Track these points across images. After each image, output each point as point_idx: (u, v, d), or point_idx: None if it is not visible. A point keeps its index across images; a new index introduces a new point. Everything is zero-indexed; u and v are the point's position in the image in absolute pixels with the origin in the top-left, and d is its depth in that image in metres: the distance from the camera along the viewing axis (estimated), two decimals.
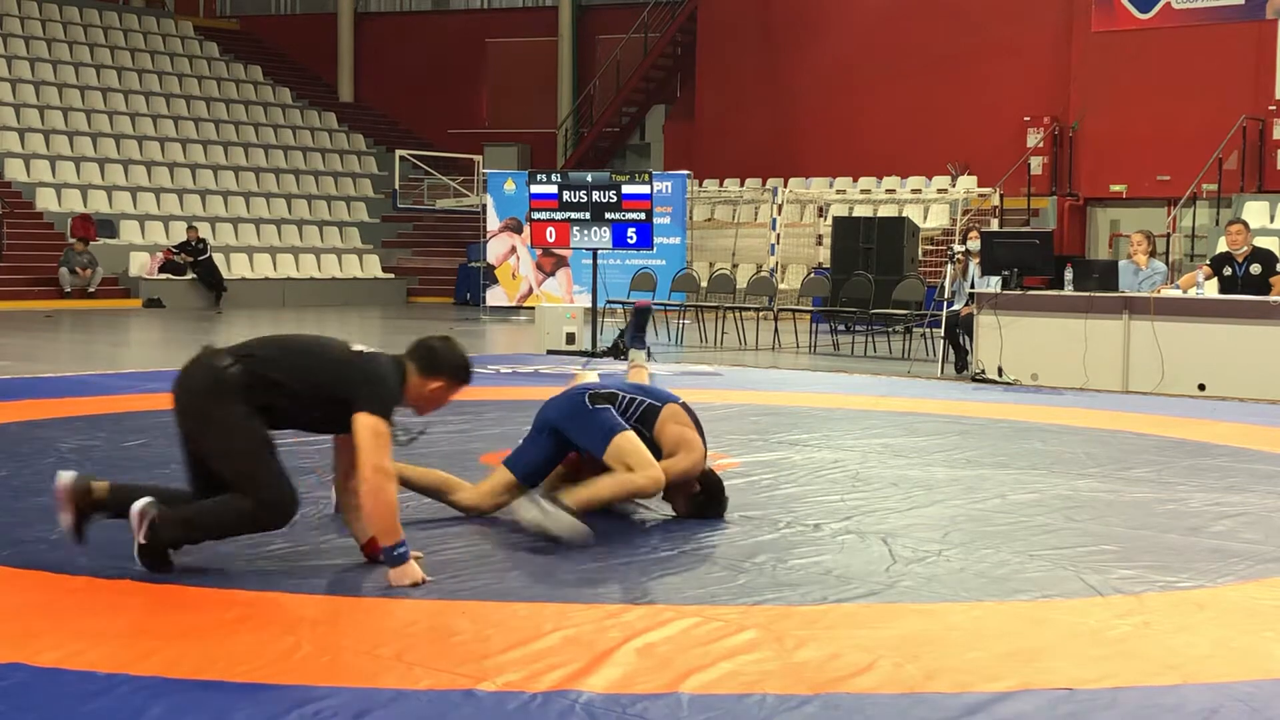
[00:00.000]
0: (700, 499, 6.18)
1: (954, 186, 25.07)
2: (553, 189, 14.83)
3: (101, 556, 5.24)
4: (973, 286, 13.56)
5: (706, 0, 30.00)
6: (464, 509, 6.07)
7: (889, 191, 25.82)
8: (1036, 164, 25.03)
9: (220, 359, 5.01)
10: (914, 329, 16.18)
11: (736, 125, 28.90)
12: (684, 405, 6.28)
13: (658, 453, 6.00)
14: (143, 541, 4.90)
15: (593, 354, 14.64)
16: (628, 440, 5.92)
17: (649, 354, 14.79)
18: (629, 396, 6.21)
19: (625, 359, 14.10)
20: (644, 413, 6.13)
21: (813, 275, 20.05)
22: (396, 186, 27.90)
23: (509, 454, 6.20)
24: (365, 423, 4.90)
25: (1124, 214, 24.97)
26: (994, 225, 22.11)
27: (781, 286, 21.17)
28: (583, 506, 5.69)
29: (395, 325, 20.71)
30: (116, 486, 5.09)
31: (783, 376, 13.43)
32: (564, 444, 6.08)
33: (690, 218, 23.25)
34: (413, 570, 4.86)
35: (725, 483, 6.33)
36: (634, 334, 8.29)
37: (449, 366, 5.18)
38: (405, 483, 5.89)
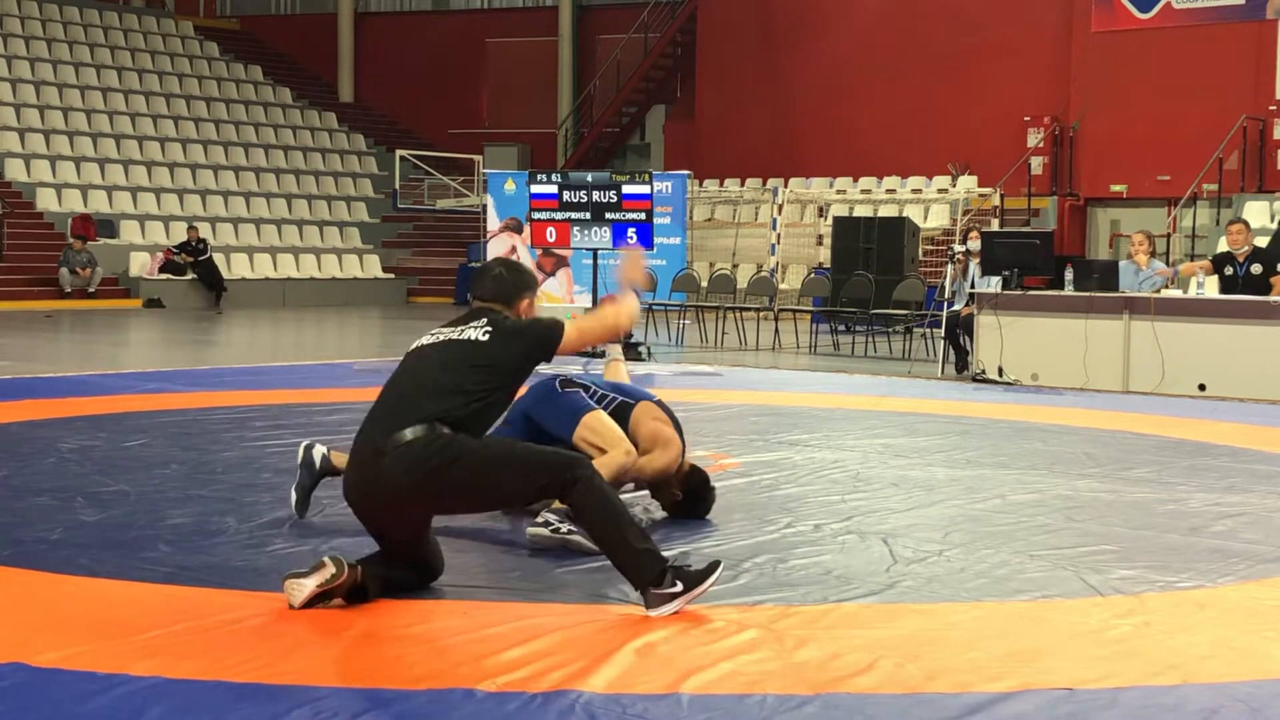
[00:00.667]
0: (684, 503, 6.15)
1: (954, 186, 25.08)
2: (553, 189, 14.83)
3: (102, 556, 5.25)
4: (973, 286, 13.56)
5: (706, 0, 30.01)
6: None
7: (889, 191, 25.82)
8: (1037, 164, 25.03)
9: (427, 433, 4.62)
10: (914, 329, 16.18)
11: (736, 125, 28.90)
12: (659, 402, 6.25)
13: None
14: None
15: (593, 354, 14.64)
16: (596, 419, 5.88)
17: (648, 352, 14.82)
18: (602, 392, 6.19)
19: (624, 358, 14.12)
20: (617, 409, 6.09)
21: (813, 275, 20.05)
22: (397, 186, 27.92)
23: None
24: (566, 330, 4.81)
25: (1124, 214, 24.97)
26: (994, 225, 22.11)
27: (782, 286, 21.17)
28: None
29: (395, 325, 20.70)
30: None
31: (783, 376, 13.43)
32: (537, 431, 6.01)
33: (690, 218, 23.24)
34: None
35: (726, 483, 6.33)
36: None
37: (529, 278, 5.08)
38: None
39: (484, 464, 4.61)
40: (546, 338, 4.83)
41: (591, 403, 6.00)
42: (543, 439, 5.80)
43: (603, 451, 5.80)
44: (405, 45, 34.40)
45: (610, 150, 32.41)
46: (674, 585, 4.53)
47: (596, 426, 5.88)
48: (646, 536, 4.68)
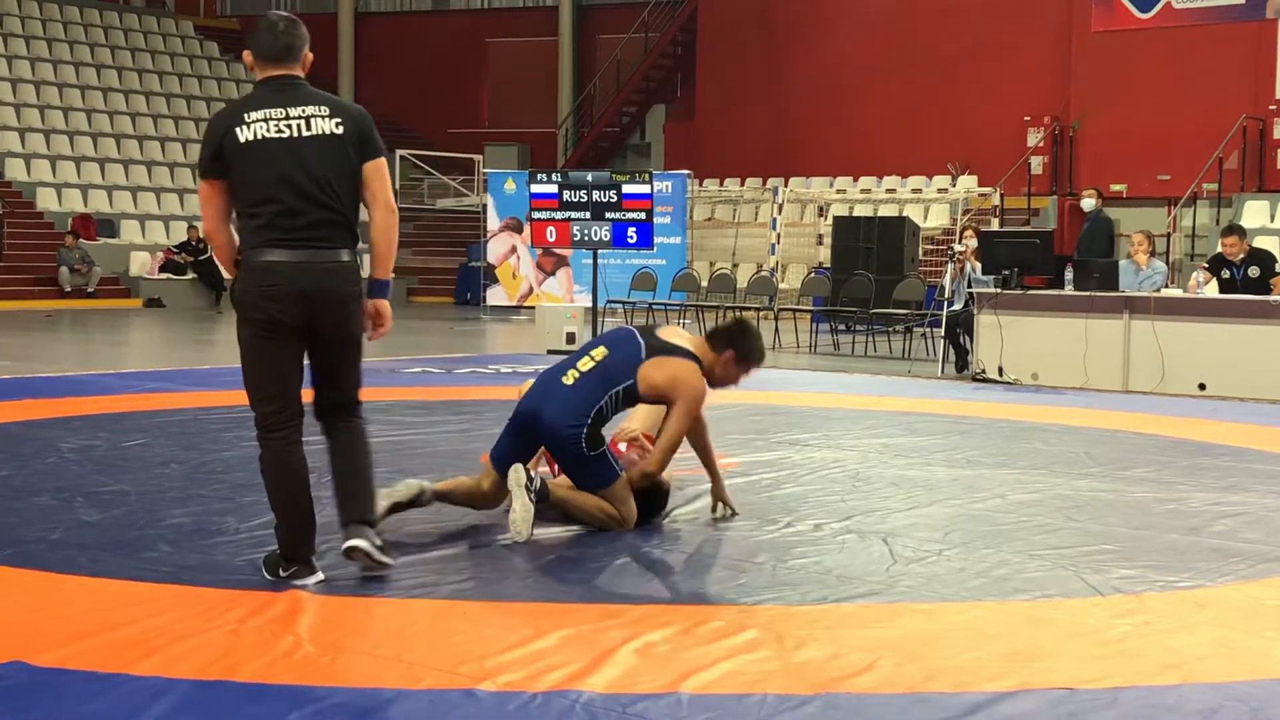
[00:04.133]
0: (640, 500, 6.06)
1: (954, 186, 25.07)
2: (553, 189, 14.82)
3: (102, 556, 5.25)
4: (970, 285, 13.56)
5: (706, 0, 30.01)
6: (475, 499, 5.99)
7: (889, 191, 25.82)
8: (1037, 163, 25.03)
9: None
10: (914, 329, 16.18)
11: (736, 125, 28.90)
12: (653, 348, 6.05)
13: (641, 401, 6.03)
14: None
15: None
16: (620, 487, 5.86)
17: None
18: (605, 401, 6.05)
19: None
20: (625, 393, 5.98)
21: (813, 275, 20.05)
22: (397, 186, 27.84)
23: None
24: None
25: (1124, 213, 24.93)
26: (994, 225, 22.11)
27: (782, 286, 21.17)
28: (559, 503, 5.78)
29: (395, 325, 20.68)
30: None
31: (783, 376, 13.43)
32: (535, 439, 5.94)
33: (690, 217, 23.26)
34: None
35: (726, 482, 6.32)
36: None
37: None
38: (444, 498, 5.90)
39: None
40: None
41: (618, 468, 5.87)
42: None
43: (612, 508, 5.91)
44: (405, 45, 34.40)
45: (610, 150, 32.41)
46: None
47: (616, 494, 5.86)
48: None
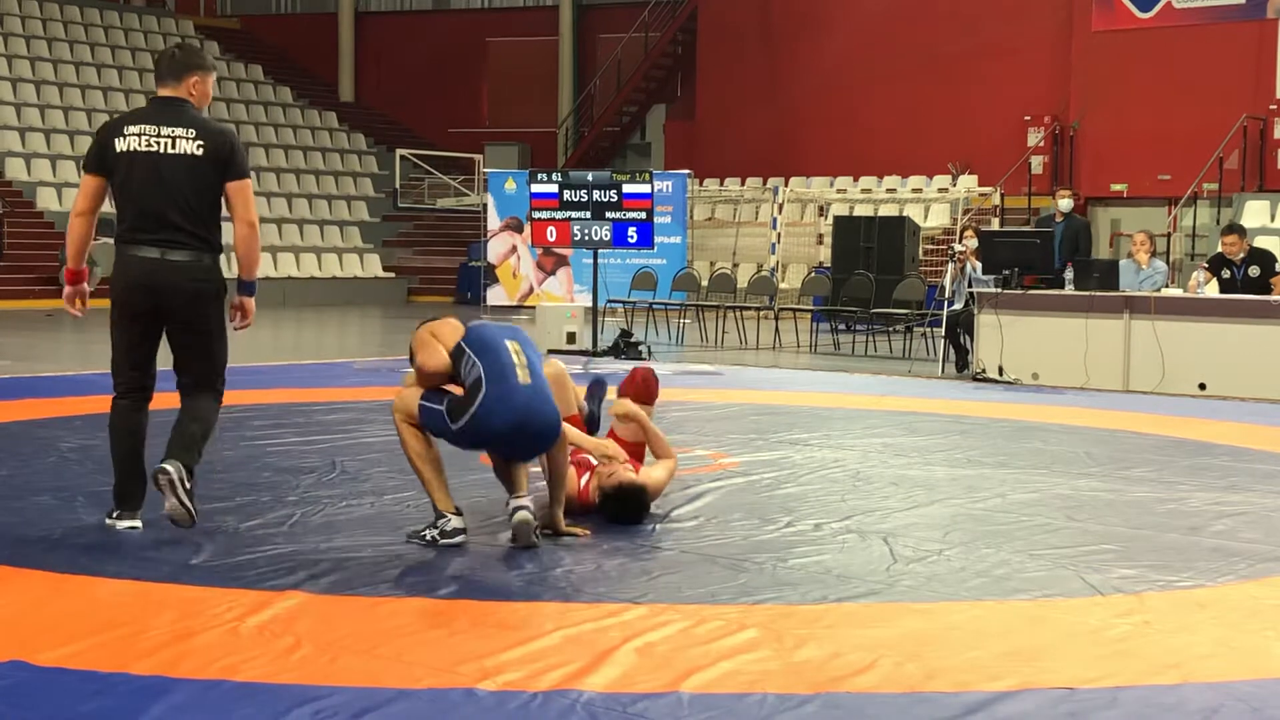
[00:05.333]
0: (613, 503, 6.06)
1: (955, 186, 25.07)
2: (553, 188, 14.83)
3: (102, 556, 5.25)
4: (970, 285, 13.56)
5: (706, 0, 30.01)
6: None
7: (890, 191, 25.82)
8: (1037, 163, 25.03)
9: None
10: (914, 328, 16.18)
11: (736, 125, 28.90)
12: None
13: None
14: None
15: (593, 353, 14.65)
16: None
17: (648, 351, 14.82)
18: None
19: (625, 357, 14.13)
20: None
21: (813, 274, 20.05)
22: (397, 186, 27.91)
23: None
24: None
25: (1124, 213, 24.96)
26: (994, 225, 22.11)
27: (782, 286, 21.17)
28: (655, 488, 6.12)
29: (396, 325, 20.68)
30: None
31: (783, 376, 13.43)
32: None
33: (691, 217, 23.25)
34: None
35: (726, 482, 6.33)
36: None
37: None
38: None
39: None
40: None
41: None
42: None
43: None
44: (405, 45, 34.40)
45: (610, 150, 32.41)
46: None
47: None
48: None
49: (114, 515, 5.70)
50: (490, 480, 6.91)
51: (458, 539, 5.52)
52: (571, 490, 6.05)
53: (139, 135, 5.59)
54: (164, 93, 5.77)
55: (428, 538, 5.53)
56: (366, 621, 4.49)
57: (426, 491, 5.64)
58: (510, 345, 5.63)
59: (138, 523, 5.65)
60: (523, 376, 5.55)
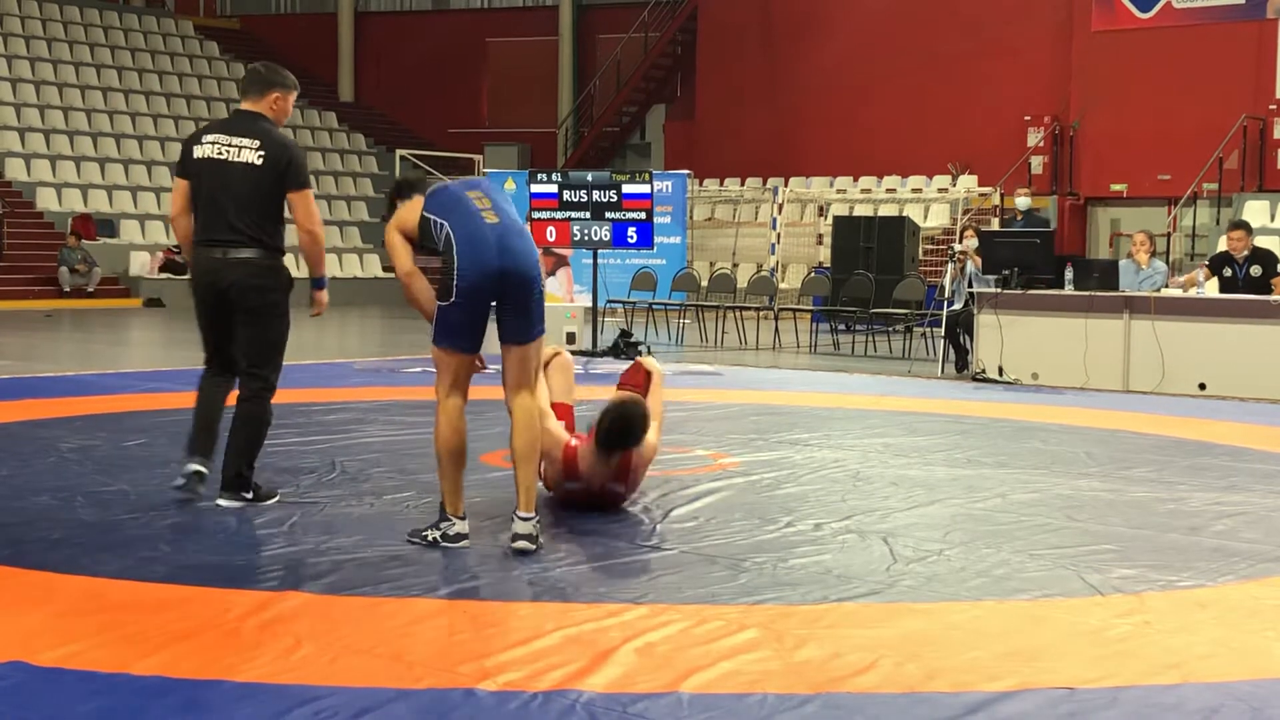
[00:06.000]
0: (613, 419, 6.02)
1: (954, 186, 25.07)
2: (553, 188, 14.83)
3: (102, 556, 5.25)
4: (970, 285, 13.56)
5: (706, 0, 30.00)
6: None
7: (889, 191, 25.82)
8: (1037, 163, 25.03)
9: None
10: (914, 328, 16.18)
11: (736, 125, 28.90)
12: None
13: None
14: None
15: (593, 353, 14.64)
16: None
17: (648, 351, 14.82)
18: None
19: (625, 357, 14.12)
20: None
21: (813, 275, 20.05)
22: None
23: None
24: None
25: (1124, 213, 24.97)
26: (994, 224, 22.11)
27: (782, 286, 21.17)
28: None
29: (396, 325, 20.68)
30: None
31: (783, 376, 13.43)
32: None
33: (690, 217, 23.25)
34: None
35: (726, 482, 6.33)
36: None
37: None
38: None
39: None
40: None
41: None
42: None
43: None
44: (405, 45, 34.40)
45: (610, 150, 32.41)
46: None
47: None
48: None
49: (184, 460, 6.27)
50: (489, 481, 6.92)
51: (459, 544, 5.48)
52: (557, 458, 6.11)
53: (213, 144, 6.14)
54: (245, 106, 6.28)
55: (429, 538, 5.50)
56: (366, 621, 4.49)
57: (440, 485, 5.55)
58: (472, 195, 5.57)
59: (202, 467, 6.19)
60: (489, 218, 5.49)
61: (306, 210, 6.20)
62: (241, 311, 6.14)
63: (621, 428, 6.04)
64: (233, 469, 6.15)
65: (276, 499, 6.28)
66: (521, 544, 5.38)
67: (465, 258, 5.38)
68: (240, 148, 6.11)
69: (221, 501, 6.15)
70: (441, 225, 5.45)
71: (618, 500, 6.28)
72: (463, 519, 5.53)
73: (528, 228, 5.96)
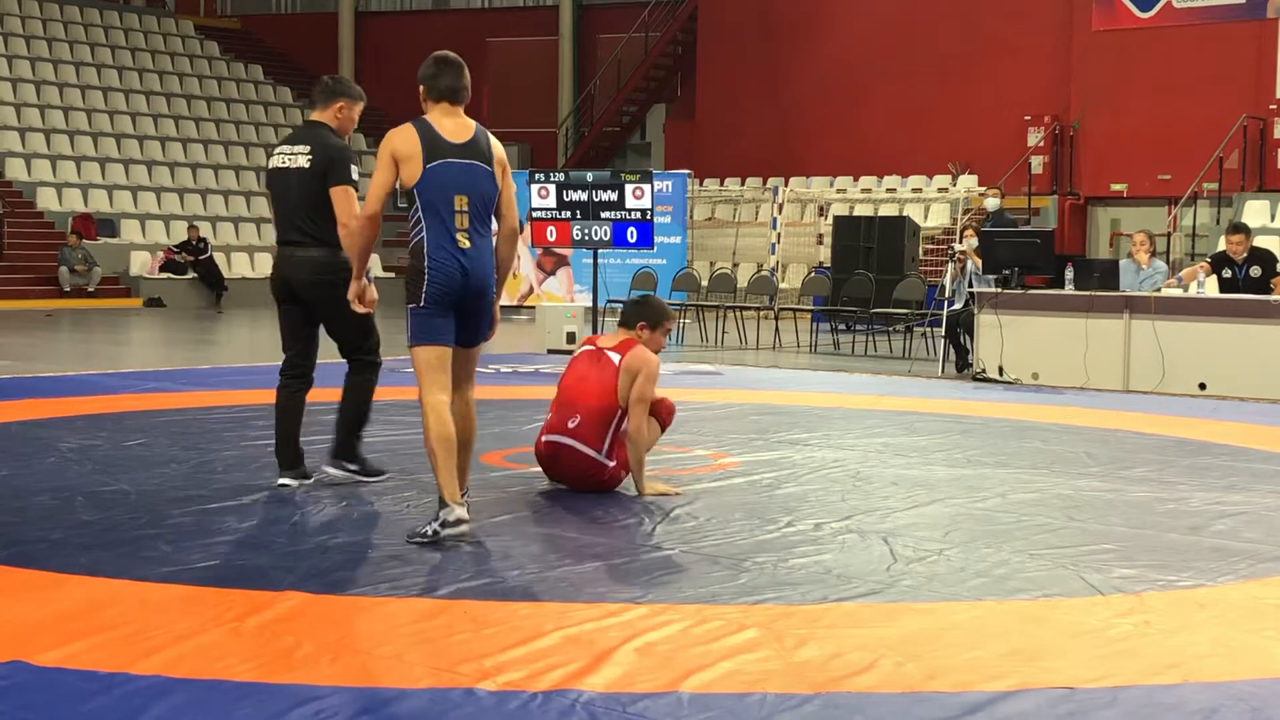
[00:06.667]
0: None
1: (955, 186, 25.07)
2: (553, 188, 14.80)
3: (102, 556, 5.25)
4: (970, 285, 13.56)
5: (706, 0, 30.00)
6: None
7: (890, 191, 25.82)
8: (1037, 163, 25.03)
9: None
10: (914, 328, 16.18)
11: (736, 125, 28.90)
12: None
13: None
14: None
15: None
16: None
17: None
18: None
19: None
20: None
21: (813, 274, 20.05)
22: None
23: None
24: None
25: (1125, 213, 24.96)
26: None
27: (782, 286, 21.17)
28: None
29: (396, 324, 20.70)
30: None
31: (783, 376, 13.43)
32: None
33: (690, 217, 23.25)
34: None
35: (726, 482, 6.33)
36: None
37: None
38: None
39: None
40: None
41: None
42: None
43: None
44: (405, 45, 34.37)
45: (610, 150, 32.40)
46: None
47: None
48: None
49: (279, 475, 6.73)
50: (489, 481, 6.93)
51: (460, 529, 5.52)
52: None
53: (279, 154, 6.70)
54: (313, 117, 6.76)
55: (429, 533, 5.50)
56: (366, 621, 4.49)
57: (437, 479, 5.60)
58: (458, 202, 5.71)
59: (290, 481, 6.62)
60: (462, 241, 5.66)
61: (340, 206, 6.50)
62: (315, 305, 6.62)
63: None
64: (339, 439, 6.72)
65: (386, 476, 6.76)
66: (462, 528, 5.56)
67: (434, 270, 5.65)
68: (296, 155, 6.59)
69: (327, 468, 6.70)
70: (419, 222, 5.72)
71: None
72: (461, 504, 5.59)
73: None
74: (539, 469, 6.89)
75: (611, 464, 6.64)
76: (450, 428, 5.62)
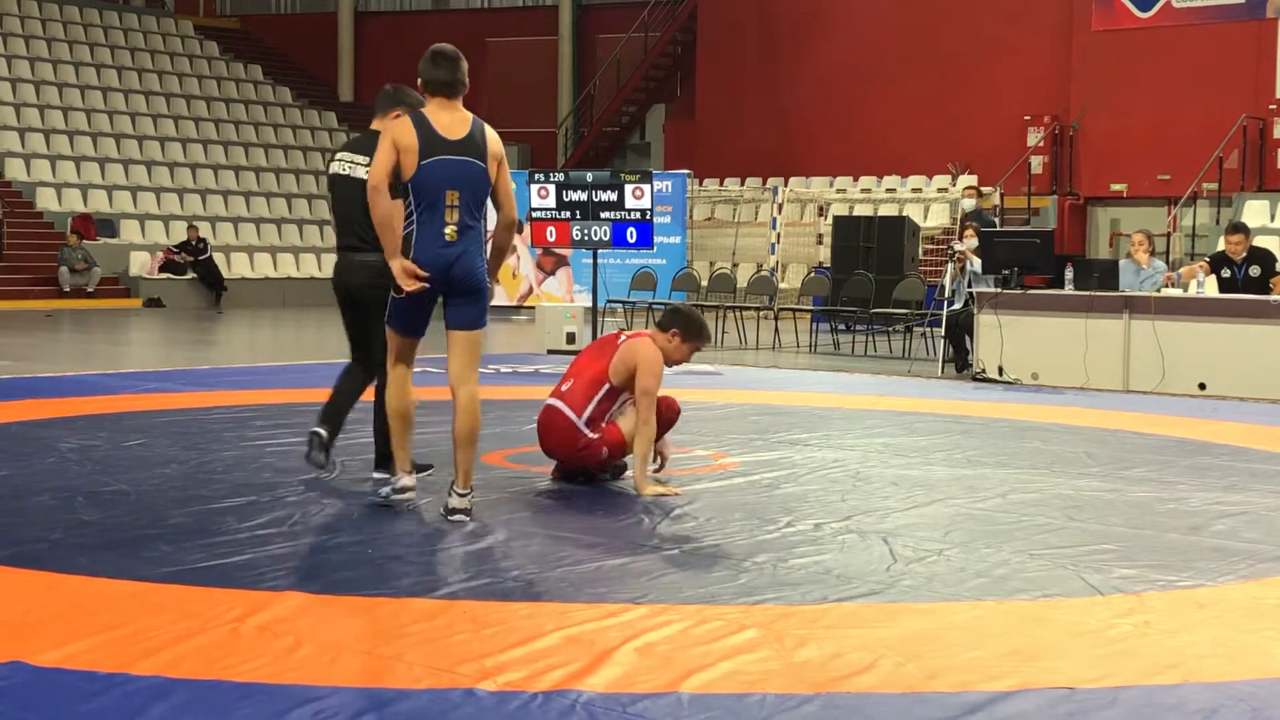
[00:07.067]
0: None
1: (954, 186, 25.07)
2: (552, 188, 14.80)
3: (102, 556, 5.25)
4: (970, 285, 13.56)
5: (706, 0, 30.01)
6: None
7: (889, 191, 25.82)
8: (1037, 163, 25.04)
9: None
10: (914, 328, 16.18)
11: (736, 125, 28.90)
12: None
13: None
14: None
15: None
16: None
17: None
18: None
19: None
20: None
21: (813, 274, 20.05)
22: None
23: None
24: None
25: (1124, 213, 24.97)
26: (994, 224, 22.09)
27: (782, 286, 21.17)
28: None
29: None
30: None
31: (783, 376, 13.43)
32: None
33: (690, 217, 23.25)
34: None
35: (726, 482, 6.34)
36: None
37: None
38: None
39: None
40: None
41: None
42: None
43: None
44: (405, 45, 34.35)
45: (610, 149, 32.41)
46: None
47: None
48: None
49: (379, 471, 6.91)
50: (489, 481, 6.92)
51: (405, 495, 6.12)
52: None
53: (339, 161, 6.93)
54: (374, 125, 6.81)
55: (383, 494, 6.17)
56: (366, 621, 4.49)
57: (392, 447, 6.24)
58: (449, 198, 5.89)
59: (323, 430, 6.81)
60: (450, 235, 5.90)
61: (399, 217, 6.52)
62: (368, 307, 6.68)
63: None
64: (383, 448, 6.77)
65: (430, 471, 6.87)
66: (458, 517, 5.90)
67: (420, 264, 5.88)
68: (355, 163, 6.81)
69: (376, 475, 6.87)
70: (411, 215, 5.89)
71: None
72: (409, 474, 6.19)
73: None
74: (539, 469, 6.91)
75: (590, 435, 6.74)
76: (405, 402, 6.13)
